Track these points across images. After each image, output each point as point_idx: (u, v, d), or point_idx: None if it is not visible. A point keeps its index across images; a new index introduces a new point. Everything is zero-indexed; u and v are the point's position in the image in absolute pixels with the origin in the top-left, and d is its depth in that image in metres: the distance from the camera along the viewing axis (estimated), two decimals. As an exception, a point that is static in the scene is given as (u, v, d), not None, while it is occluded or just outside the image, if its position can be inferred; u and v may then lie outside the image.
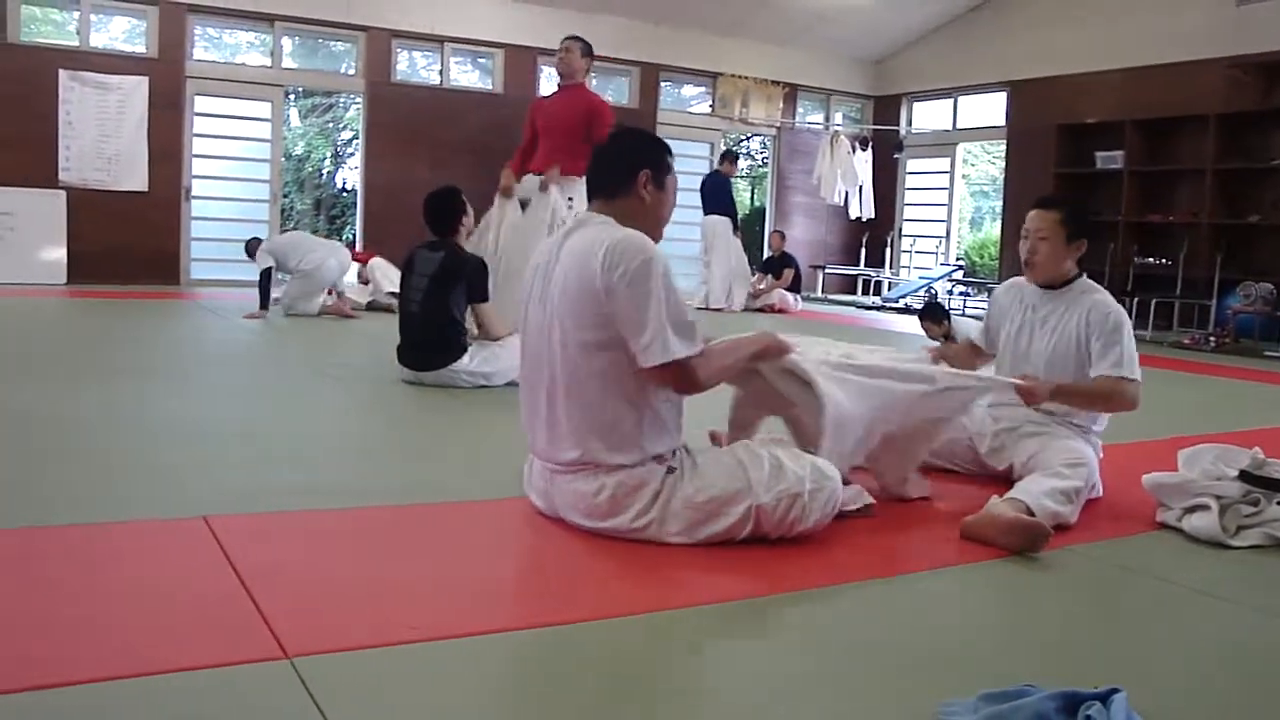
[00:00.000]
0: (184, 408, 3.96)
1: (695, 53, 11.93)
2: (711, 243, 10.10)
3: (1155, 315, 9.07)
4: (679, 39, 11.76)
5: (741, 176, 11.48)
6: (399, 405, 4.27)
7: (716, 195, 10.12)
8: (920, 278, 12.27)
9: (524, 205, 5.54)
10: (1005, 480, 2.98)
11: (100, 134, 9.10)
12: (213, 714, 1.51)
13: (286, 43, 10.33)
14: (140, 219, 9.26)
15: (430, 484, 2.93)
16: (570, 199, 5.27)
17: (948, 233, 12.96)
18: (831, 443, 2.56)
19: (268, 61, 10.28)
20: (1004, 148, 12.13)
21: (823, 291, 12.73)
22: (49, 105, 8.89)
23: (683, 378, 2.37)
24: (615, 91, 11.71)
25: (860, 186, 12.54)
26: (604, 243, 2.35)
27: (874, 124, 13.18)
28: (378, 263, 8.51)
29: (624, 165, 2.50)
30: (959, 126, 12.60)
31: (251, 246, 7.81)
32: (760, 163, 16.06)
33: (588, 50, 5.65)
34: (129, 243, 9.20)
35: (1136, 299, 9.02)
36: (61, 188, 8.95)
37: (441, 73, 10.78)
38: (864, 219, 12.72)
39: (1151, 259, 9.76)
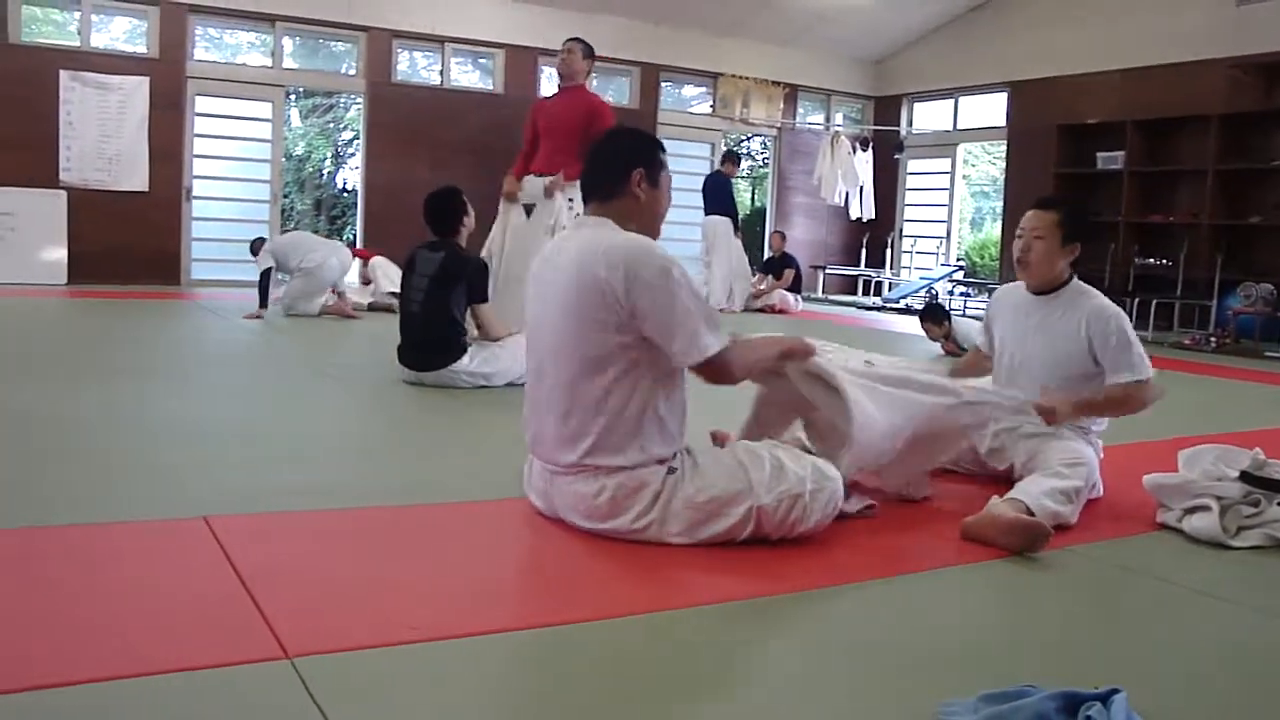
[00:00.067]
0: (184, 408, 3.97)
1: (696, 53, 11.94)
2: (712, 243, 10.10)
3: (1156, 316, 9.07)
4: (679, 39, 11.77)
5: (742, 177, 11.49)
6: (399, 405, 4.27)
7: (717, 196, 10.12)
8: (921, 278, 12.27)
9: (528, 210, 5.54)
10: (1005, 480, 2.98)
11: (101, 134, 9.11)
12: (213, 714, 1.51)
13: (287, 43, 10.33)
14: (141, 219, 9.27)
15: (430, 484, 2.93)
16: (570, 200, 5.28)
17: (948, 233, 12.95)
18: (856, 450, 2.58)
19: (268, 62, 10.29)
20: (1004, 148, 12.13)
21: (823, 292, 12.73)
22: (50, 105, 8.89)
23: (719, 371, 2.42)
24: (616, 92, 11.72)
25: (861, 187, 12.54)
26: (608, 248, 2.34)
27: (874, 124, 13.18)
28: (379, 262, 8.51)
29: (617, 166, 2.49)
30: (959, 127, 12.60)
31: (256, 246, 7.82)
32: (761, 163, 16.06)
33: (589, 52, 5.66)
34: (129, 243, 9.20)
35: (1137, 299, 9.02)
36: (62, 188, 8.95)
37: (442, 73, 10.78)
38: (864, 219, 12.72)
39: (1152, 259, 9.76)
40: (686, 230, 11.35)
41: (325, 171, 17.65)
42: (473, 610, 1.97)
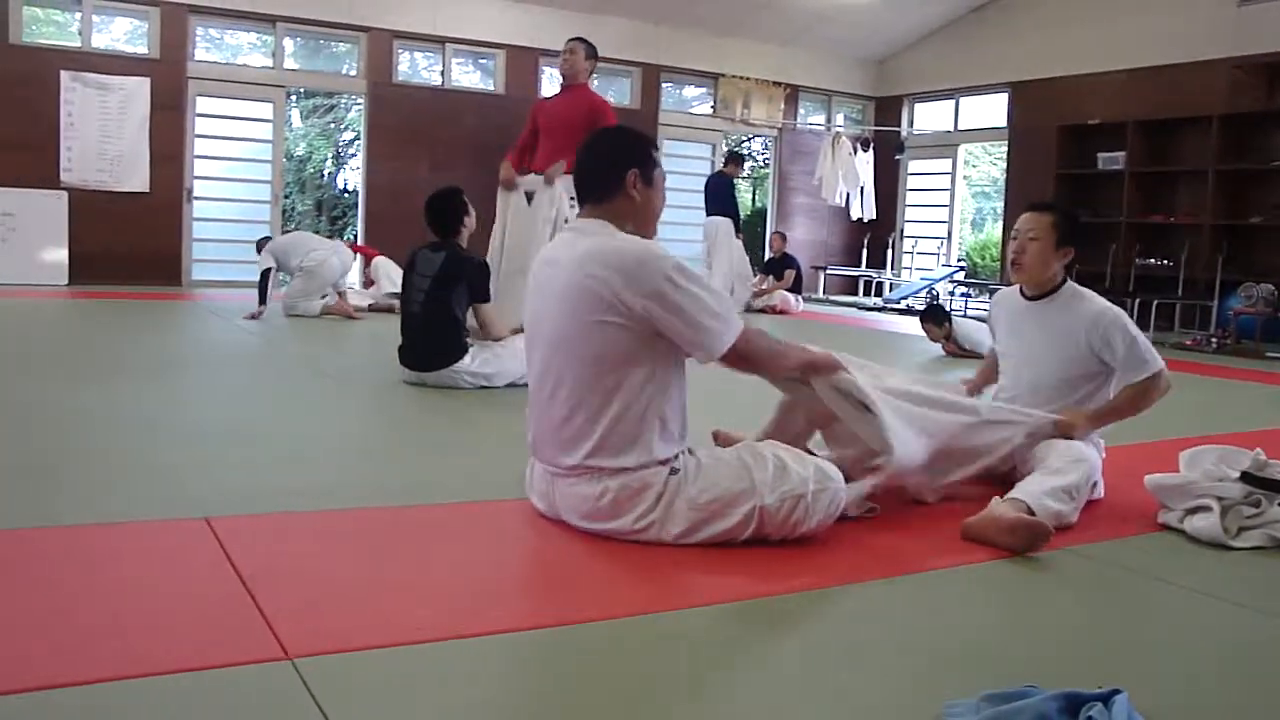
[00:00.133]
0: (184, 408, 3.97)
1: (696, 53, 11.94)
2: (713, 244, 10.09)
3: (1157, 316, 9.07)
4: (680, 40, 11.77)
5: (743, 177, 11.45)
6: (400, 406, 4.27)
7: (719, 196, 10.10)
8: (921, 279, 12.27)
9: (529, 197, 5.54)
10: (1006, 480, 2.98)
11: (102, 135, 9.11)
12: (214, 715, 1.51)
13: (288, 43, 10.33)
14: (142, 220, 9.27)
15: (431, 485, 2.93)
16: (573, 196, 5.29)
17: (949, 234, 12.95)
18: (894, 468, 2.63)
19: (269, 62, 10.29)
20: (1005, 149, 12.12)
21: (824, 292, 12.73)
22: (50, 106, 8.90)
23: (743, 358, 2.46)
24: (617, 92, 11.72)
25: (861, 187, 12.54)
26: (609, 253, 2.34)
27: (875, 125, 13.18)
28: (381, 262, 8.51)
29: (611, 166, 2.48)
30: (960, 127, 12.60)
31: (262, 244, 7.82)
32: (761, 164, 16.06)
33: (592, 52, 5.66)
34: (130, 244, 9.21)
35: (1138, 300, 9.02)
36: (63, 188, 8.96)
37: (443, 73, 10.78)
38: (865, 220, 12.72)
39: (1153, 260, 9.76)
40: (687, 231, 11.36)
41: (326, 172, 17.65)
42: (473, 610, 1.97)
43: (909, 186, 13.27)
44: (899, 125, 13.00)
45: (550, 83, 10.86)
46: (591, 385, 2.36)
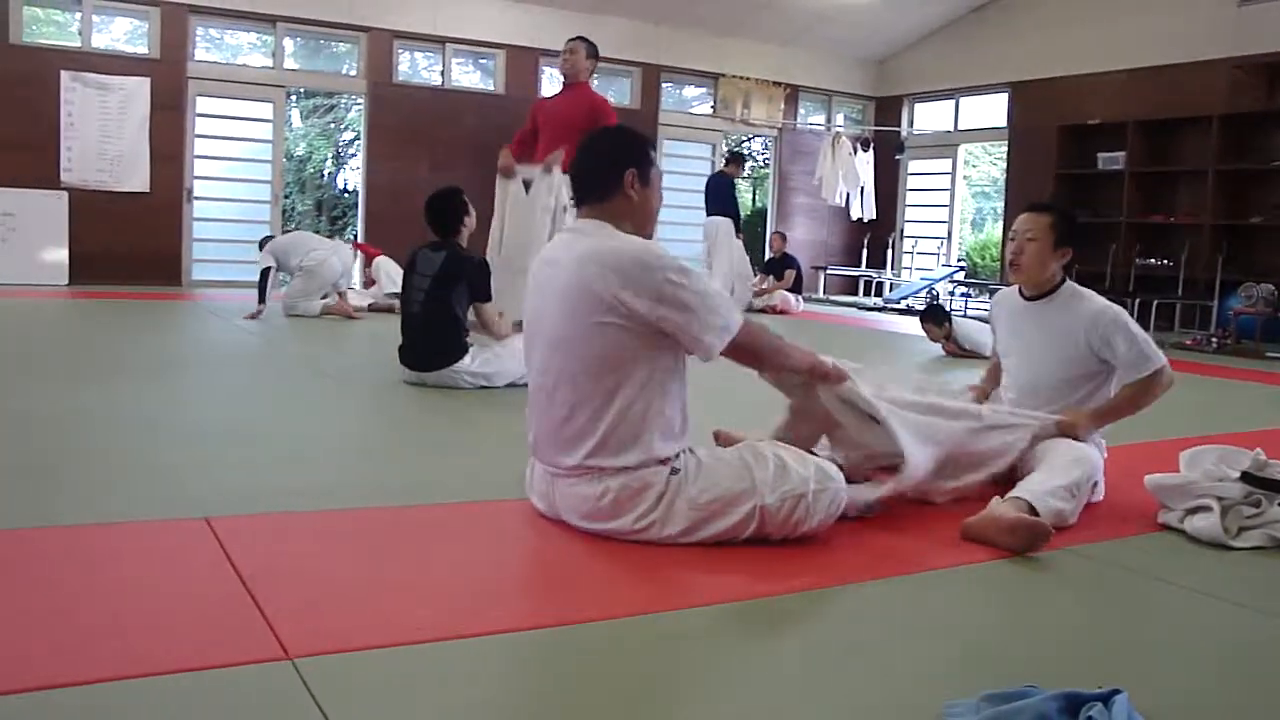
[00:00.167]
0: (184, 408, 3.97)
1: (696, 53, 11.94)
2: (714, 244, 10.08)
3: (1157, 316, 9.07)
4: (680, 40, 11.77)
5: (743, 177, 11.44)
6: (400, 406, 4.27)
7: (719, 196, 10.09)
8: (922, 279, 12.27)
9: (527, 186, 5.55)
10: (1006, 480, 2.98)
11: (102, 135, 9.11)
12: (214, 715, 1.51)
13: (288, 43, 10.33)
14: (142, 220, 9.27)
15: (431, 485, 2.93)
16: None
17: (949, 234, 12.95)
18: (906, 478, 2.65)
19: (269, 62, 10.29)
20: (1006, 149, 12.12)
21: (824, 292, 12.73)
22: (51, 106, 8.90)
23: (743, 350, 2.48)
24: (617, 92, 11.71)
25: (862, 187, 12.54)
26: (609, 254, 2.34)
27: (875, 125, 13.18)
28: (383, 262, 8.51)
29: (609, 168, 2.49)
30: (960, 127, 12.59)
31: (264, 244, 7.81)
32: (761, 164, 16.06)
33: (593, 51, 5.66)
34: (130, 244, 9.21)
35: (1138, 300, 9.02)
36: (63, 188, 8.96)
37: (443, 73, 10.78)
38: (865, 220, 12.72)
39: (1153, 260, 9.76)
40: (687, 231, 11.35)
41: (326, 172, 17.65)
42: (474, 611, 1.97)
43: (909, 186, 13.26)
44: (899, 125, 13.00)
45: (551, 82, 10.86)
46: (592, 385, 2.36)
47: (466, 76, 11.49)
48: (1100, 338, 2.98)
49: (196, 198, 9.72)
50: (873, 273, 12.77)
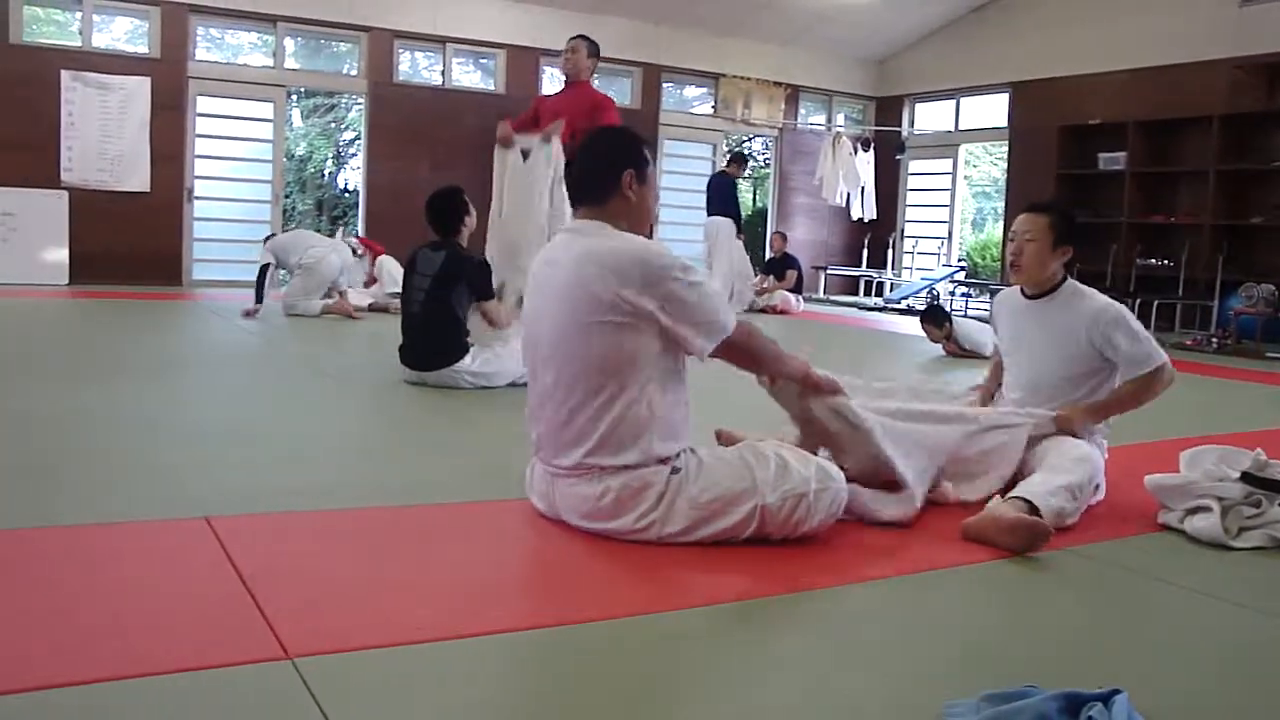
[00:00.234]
0: (185, 408, 3.97)
1: (697, 53, 11.94)
2: (714, 244, 10.09)
3: (1157, 316, 9.06)
4: (681, 40, 11.77)
5: (743, 178, 11.44)
6: (400, 406, 4.27)
7: (720, 196, 10.09)
8: (922, 279, 12.26)
9: (525, 155, 5.56)
10: (1008, 480, 2.98)
11: (102, 134, 9.11)
12: (215, 715, 1.51)
13: (289, 43, 10.33)
14: (142, 220, 9.27)
15: (431, 485, 2.93)
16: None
17: (950, 234, 12.95)
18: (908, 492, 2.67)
19: (270, 62, 10.29)
20: (1006, 149, 12.12)
21: (824, 292, 12.73)
22: (51, 106, 8.90)
23: (737, 349, 2.49)
24: (617, 92, 11.71)
25: (862, 187, 12.54)
26: (610, 254, 2.35)
27: (876, 125, 13.17)
28: (385, 260, 8.50)
29: (607, 168, 2.49)
30: (961, 127, 12.59)
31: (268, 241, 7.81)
32: (762, 164, 16.06)
33: (594, 50, 5.66)
34: (131, 243, 9.21)
35: (1139, 300, 9.01)
36: (64, 188, 8.96)
37: (443, 73, 10.78)
38: (866, 220, 12.72)
39: (1154, 260, 9.75)
40: (688, 231, 11.35)
41: (327, 172, 17.66)
42: (474, 610, 1.97)
43: (909, 186, 13.26)
44: (899, 125, 12.99)
45: (551, 82, 10.85)
46: (592, 385, 2.36)
47: (467, 76, 11.49)
48: (1102, 335, 2.98)
49: (197, 197, 9.72)
50: (873, 273, 12.77)
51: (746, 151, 12.68)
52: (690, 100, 12.83)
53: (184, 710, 1.52)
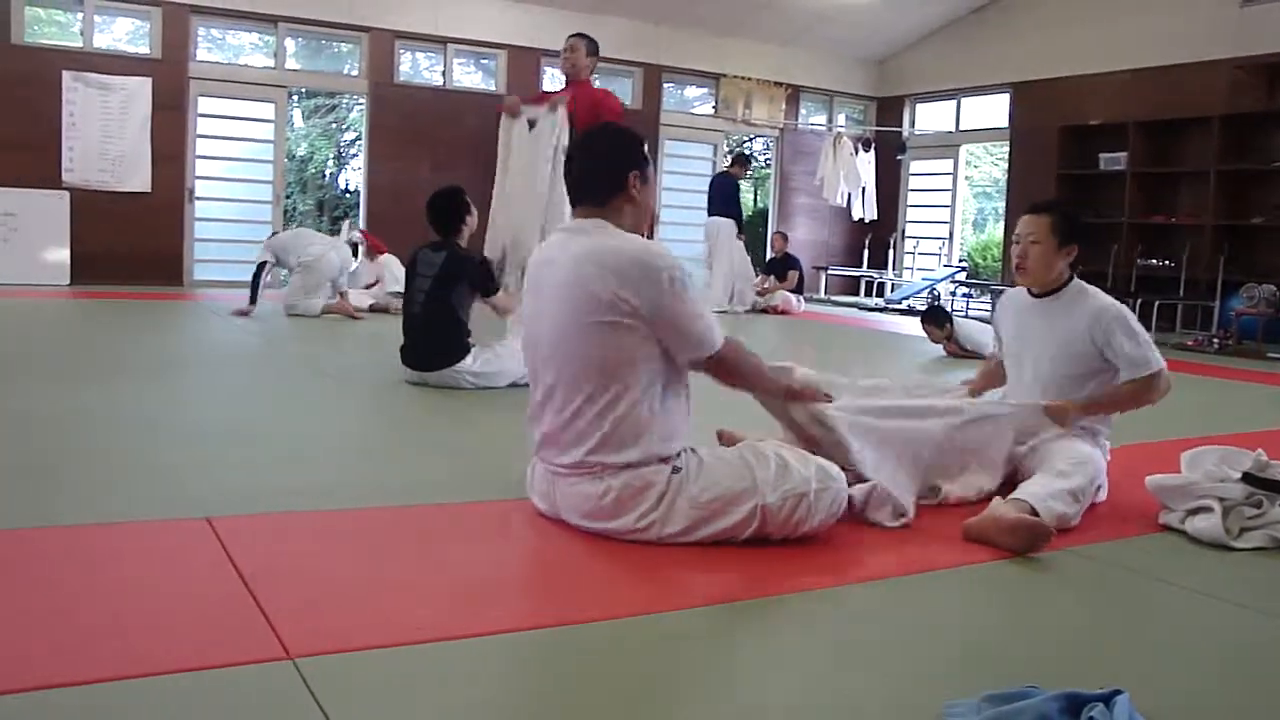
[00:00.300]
0: (185, 408, 3.97)
1: (697, 54, 11.93)
2: (714, 244, 10.08)
3: (1158, 317, 9.05)
4: (681, 40, 11.77)
5: (746, 178, 11.45)
6: (401, 406, 4.27)
7: (722, 196, 10.08)
8: (923, 279, 12.26)
9: (531, 125, 5.57)
10: (1009, 481, 2.98)
11: (103, 135, 9.11)
12: (215, 715, 1.51)
13: (290, 44, 10.33)
14: (143, 220, 9.27)
15: (432, 485, 2.93)
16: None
17: (950, 234, 12.94)
18: (884, 489, 2.66)
19: (271, 62, 10.29)
20: (1007, 149, 12.12)
21: (825, 293, 12.73)
22: (52, 106, 8.90)
23: (725, 365, 2.49)
24: (618, 92, 11.69)
25: (863, 188, 12.53)
26: (607, 253, 2.34)
27: (877, 125, 13.17)
28: (388, 259, 8.49)
29: (612, 169, 2.49)
30: (962, 128, 12.59)
31: None
32: (763, 164, 16.06)
33: (593, 48, 5.65)
34: (132, 244, 9.21)
35: (1140, 300, 9.00)
36: (65, 189, 8.96)
37: (444, 74, 10.78)
38: (867, 220, 12.71)
39: (1155, 260, 9.75)
40: (688, 231, 11.36)
41: (328, 172, 17.66)
42: (474, 611, 1.97)
43: (910, 187, 13.26)
44: (900, 125, 12.99)
45: (552, 82, 10.85)
46: (592, 384, 2.36)
47: (468, 77, 11.49)
48: (1103, 333, 2.97)
49: (198, 198, 9.72)
50: (874, 273, 12.77)
51: (748, 152, 12.68)
52: (691, 100, 12.83)
53: (185, 710, 1.52)
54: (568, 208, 2.77)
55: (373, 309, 7.94)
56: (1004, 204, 12.56)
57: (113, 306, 7.56)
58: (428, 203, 4.74)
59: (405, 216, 8.22)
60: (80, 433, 3.39)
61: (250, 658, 1.68)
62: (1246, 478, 2.69)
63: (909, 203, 13.29)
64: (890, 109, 13.16)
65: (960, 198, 13.30)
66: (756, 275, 10.73)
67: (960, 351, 6.89)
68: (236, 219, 9.89)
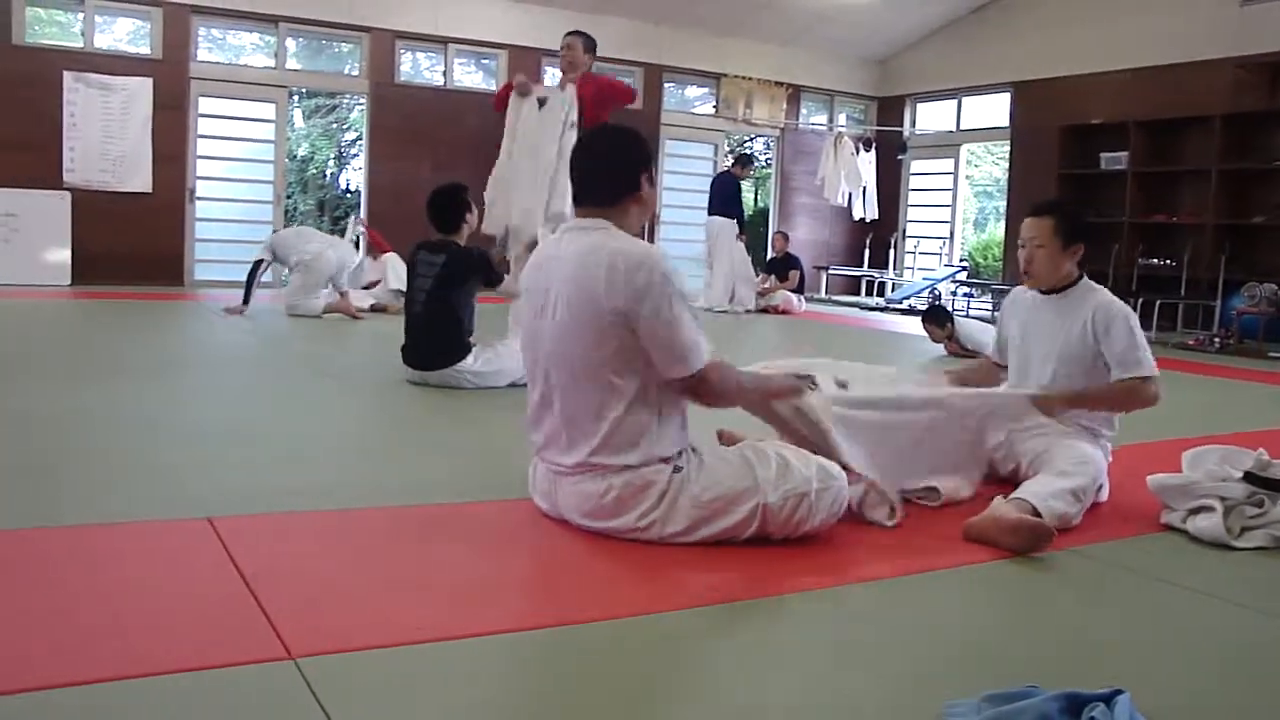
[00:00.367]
0: (185, 407, 3.97)
1: (698, 53, 11.93)
2: (715, 244, 10.08)
3: (1159, 316, 9.05)
4: (681, 40, 11.76)
5: (747, 178, 11.44)
6: (402, 406, 4.27)
7: (724, 197, 10.07)
8: (924, 279, 12.25)
9: (541, 103, 5.57)
10: (1010, 481, 2.98)
11: (104, 135, 9.11)
12: (216, 715, 1.51)
13: (290, 44, 10.33)
14: (144, 220, 9.27)
15: (433, 485, 2.93)
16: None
17: (951, 234, 12.94)
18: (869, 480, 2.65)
19: (271, 62, 10.30)
20: (1008, 149, 12.11)
21: (826, 292, 12.72)
22: (53, 106, 8.90)
23: (705, 388, 2.40)
24: (619, 92, 11.70)
25: (864, 187, 12.53)
26: (610, 254, 2.33)
27: (878, 125, 13.17)
28: (391, 258, 8.47)
29: (623, 172, 2.48)
30: (963, 127, 12.58)
31: None
32: (764, 164, 16.06)
33: (590, 45, 5.64)
34: (133, 244, 9.21)
35: (1141, 300, 8.99)
36: (66, 189, 8.96)
37: (445, 73, 10.78)
38: (868, 220, 12.71)
39: (1156, 260, 9.75)
40: (688, 230, 11.35)
41: (328, 172, 17.66)
42: (476, 611, 1.97)
43: (911, 186, 13.25)
44: (901, 125, 12.99)
45: (552, 82, 10.83)
46: (593, 384, 2.36)
47: (468, 76, 11.49)
48: (1103, 326, 2.96)
49: (199, 198, 9.72)
50: (875, 273, 12.77)
51: (749, 152, 12.67)
52: (692, 100, 12.83)
53: (186, 711, 1.52)
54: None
55: (373, 309, 7.94)
56: (1005, 203, 12.55)
57: (113, 307, 7.56)
58: (428, 199, 4.74)
59: (406, 216, 8.21)
60: (80, 433, 3.39)
61: (251, 658, 1.68)
62: (1248, 477, 2.69)
63: (910, 202, 13.29)
64: (891, 109, 13.15)
65: (961, 197, 13.29)
66: (757, 275, 10.72)
67: (961, 351, 6.89)
68: (237, 219, 9.89)
